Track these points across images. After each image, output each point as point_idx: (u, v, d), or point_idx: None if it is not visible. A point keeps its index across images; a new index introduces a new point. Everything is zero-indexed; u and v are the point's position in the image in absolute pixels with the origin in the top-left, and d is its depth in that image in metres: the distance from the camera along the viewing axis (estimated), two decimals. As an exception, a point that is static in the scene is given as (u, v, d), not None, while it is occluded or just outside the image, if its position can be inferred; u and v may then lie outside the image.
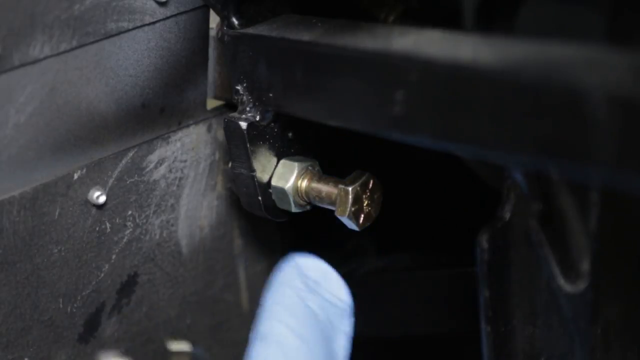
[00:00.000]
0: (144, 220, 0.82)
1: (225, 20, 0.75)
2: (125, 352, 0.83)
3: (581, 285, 0.68)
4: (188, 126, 0.83)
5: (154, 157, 0.81)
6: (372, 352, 1.04)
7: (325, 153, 0.78)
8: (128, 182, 0.79)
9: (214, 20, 0.81)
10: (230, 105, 0.83)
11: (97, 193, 0.77)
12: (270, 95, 0.73)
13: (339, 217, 0.75)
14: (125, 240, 0.81)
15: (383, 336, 1.00)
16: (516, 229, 0.67)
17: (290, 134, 0.77)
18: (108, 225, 0.79)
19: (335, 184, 0.75)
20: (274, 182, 0.77)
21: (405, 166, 0.93)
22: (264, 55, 0.73)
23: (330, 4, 0.78)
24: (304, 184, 0.76)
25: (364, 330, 0.98)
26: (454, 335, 0.98)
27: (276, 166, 0.77)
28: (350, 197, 0.74)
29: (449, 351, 1.03)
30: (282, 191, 0.76)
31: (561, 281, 0.68)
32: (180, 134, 0.82)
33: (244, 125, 0.74)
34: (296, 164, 0.76)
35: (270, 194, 0.77)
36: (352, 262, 0.97)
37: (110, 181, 0.78)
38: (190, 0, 0.80)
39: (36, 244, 0.75)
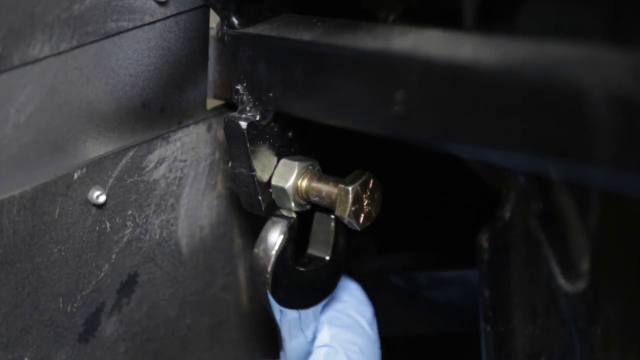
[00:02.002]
0: (144, 220, 0.82)
1: (225, 19, 0.75)
2: (125, 352, 0.83)
3: (581, 285, 0.68)
4: (188, 126, 0.83)
5: (154, 157, 0.81)
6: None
7: (325, 153, 0.78)
8: (128, 182, 0.79)
9: (214, 20, 0.81)
10: (230, 105, 0.83)
11: (97, 193, 0.77)
12: (270, 94, 0.73)
13: (339, 216, 0.75)
14: (125, 239, 0.81)
15: (383, 336, 1.00)
16: (516, 229, 0.67)
17: (290, 134, 0.77)
18: (108, 224, 0.79)
19: (335, 184, 0.75)
20: (274, 182, 0.77)
21: (406, 166, 0.93)
22: (264, 54, 0.73)
23: (330, 4, 0.78)
24: (304, 183, 0.76)
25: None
26: (454, 335, 0.98)
27: (276, 166, 0.77)
28: (350, 196, 0.74)
29: (449, 351, 1.03)
30: (282, 190, 0.76)
31: (561, 281, 0.68)
32: (180, 133, 0.82)
33: (244, 124, 0.74)
34: (296, 163, 0.76)
35: (270, 193, 0.77)
36: (352, 261, 0.97)
37: (110, 181, 0.78)
38: (190, 0, 0.79)
39: (36, 243, 0.75)
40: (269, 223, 0.76)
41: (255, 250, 0.75)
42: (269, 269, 0.75)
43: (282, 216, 0.76)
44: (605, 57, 0.52)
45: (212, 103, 0.85)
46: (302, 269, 0.77)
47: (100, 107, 0.77)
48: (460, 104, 0.58)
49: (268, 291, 0.75)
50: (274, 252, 0.75)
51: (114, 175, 0.78)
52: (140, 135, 0.80)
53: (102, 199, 0.77)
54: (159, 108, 0.81)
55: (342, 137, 0.76)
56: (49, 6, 0.70)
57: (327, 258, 0.79)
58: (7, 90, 0.70)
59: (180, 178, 0.83)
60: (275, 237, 0.75)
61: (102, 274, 0.80)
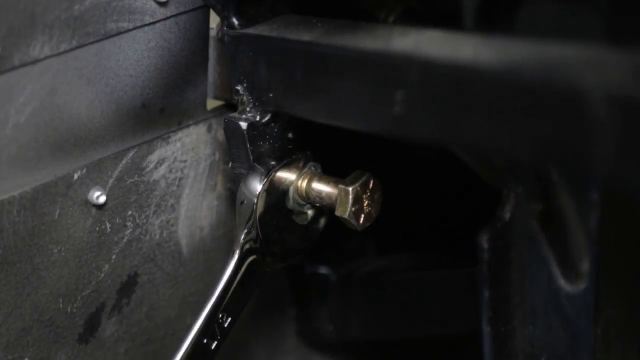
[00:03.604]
0: (144, 220, 0.82)
1: (225, 20, 0.75)
2: (125, 352, 0.83)
3: (581, 285, 0.68)
4: (188, 126, 0.83)
5: (154, 157, 0.81)
6: (372, 353, 1.03)
7: (326, 153, 0.78)
8: (128, 182, 0.79)
9: (214, 20, 0.81)
10: (230, 106, 0.83)
11: (97, 193, 0.77)
12: (270, 95, 0.73)
13: (339, 216, 0.75)
14: (125, 240, 0.81)
15: (383, 337, 1.00)
16: (516, 229, 0.67)
17: (290, 134, 0.77)
18: (108, 225, 0.79)
19: (336, 184, 0.75)
20: (274, 182, 0.77)
21: (405, 166, 0.93)
22: (264, 55, 0.73)
23: (330, 4, 0.78)
24: (304, 184, 0.76)
25: (364, 332, 0.98)
26: (454, 336, 0.98)
27: (276, 166, 0.77)
28: (350, 197, 0.74)
29: (449, 352, 1.03)
30: (282, 191, 0.76)
31: (561, 281, 0.68)
32: (180, 134, 0.82)
33: (244, 125, 0.74)
34: (296, 163, 0.77)
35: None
36: (352, 262, 0.97)
37: (110, 181, 0.78)
38: (190, 0, 0.80)
39: (36, 244, 0.75)
40: None
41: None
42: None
43: None
44: (605, 57, 0.52)
45: (212, 103, 0.85)
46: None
47: (100, 107, 0.77)
48: (460, 104, 0.58)
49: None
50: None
51: (114, 176, 0.78)
52: (140, 135, 0.80)
53: (102, 199, 0.77)
54: (159, 108, 0.81)
55: (342, 137, 0.76)
56: (49, 6, 0.70)
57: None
58: (7, 90, 0.70)
59: (180, 179, 0.83)
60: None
61: (102, 275, 0.80)
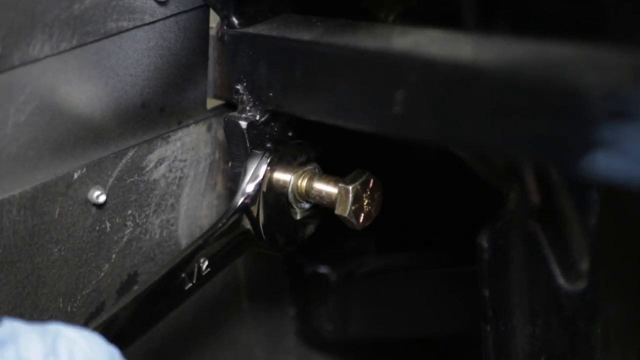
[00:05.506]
0: (144, 220, 0.82)
1: (225, 19, 0.75)
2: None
3: (581, 285, 0.68)
4: (188, 126, 0.83)
5: (154, 157, 0.81)
6: (372, 353, 1.04)
7: (325, 152, 0.78)
8: (128, 182, 0.79)
9: (214, 19, 0.81)
10: (230, 105, 0.83)
11: (97, 192, 0.77)
12: (270, 94, 0.73)
13: (339, 215, 0.75)
14: (125, 239, 0.81)
15: (383, 337, 1.00)
16: (516, 229, 0.67)
17: (290, 134, 0.77)
18: (108, 224, 0.79)
19: (336, 183, 0.75)
20: (274, 182, 0.77)
21: (406, 166, 0.93)
22: (264, 54, 0.73)
23: (330, 4, 0.78)
24: (304, 183, 0.76)
25: (364, 331, 0.98)
26: (454, 335, 0.98)
27: (276, 165, 0.77)
28: (350, 195, 0.74)
29: (449, 352, 1.03)
30: (282, 190, 0.76)
31: (561, 281, 0.68)
32: (180, 133, 0.82)
33: (244, 124, 0.74)
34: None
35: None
36: (352, 261, 0.97)
37: (110, 180, 0.78)
38: (190, 0, 0.80)
39: (36, 243, 0.75)
40: None
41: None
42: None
43: None
44: (605, 57, 0.52)
45: (212, 103, 0.85)
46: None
47: (100, 107, 0.77)
48: (460, 104, 0.58)
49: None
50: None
51: (114, 175, 0.78)
52: (140, 135, 0.80)
53: (102, 198, 0.77)
54: (158, 108, 0.81)
55: (342, 136, 0.76)
56: (49, 6, 0.70)
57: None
58: (7, 90, 0.70)
59: (180, 178, 0.83)
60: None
61: (102, 274, 0.80)
